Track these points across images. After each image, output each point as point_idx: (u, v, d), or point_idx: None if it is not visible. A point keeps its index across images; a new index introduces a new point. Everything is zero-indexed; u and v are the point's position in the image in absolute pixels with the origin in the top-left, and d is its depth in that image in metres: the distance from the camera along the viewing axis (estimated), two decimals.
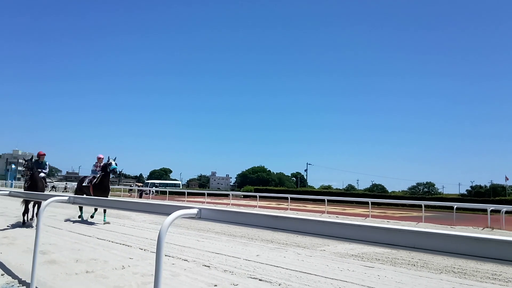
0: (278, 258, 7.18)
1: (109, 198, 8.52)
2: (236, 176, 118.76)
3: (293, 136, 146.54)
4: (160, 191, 45.28)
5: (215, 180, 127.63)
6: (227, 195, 36.55)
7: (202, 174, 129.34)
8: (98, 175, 12.84)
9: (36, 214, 10.39)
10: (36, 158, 11.95)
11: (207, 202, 29.88)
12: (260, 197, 30.05)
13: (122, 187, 52.84)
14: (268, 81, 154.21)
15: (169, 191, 40.83)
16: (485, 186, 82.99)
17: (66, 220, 12.44)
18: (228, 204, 28.71)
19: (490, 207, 18.93)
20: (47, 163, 11.95)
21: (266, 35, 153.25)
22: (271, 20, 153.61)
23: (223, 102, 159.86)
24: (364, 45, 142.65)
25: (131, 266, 6.03)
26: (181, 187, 70.75)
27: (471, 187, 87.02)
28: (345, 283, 5.38)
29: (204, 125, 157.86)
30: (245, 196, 42.43)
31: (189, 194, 41.02)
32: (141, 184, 63.11)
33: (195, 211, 2.90)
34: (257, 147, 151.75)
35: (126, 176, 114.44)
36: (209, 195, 38.79)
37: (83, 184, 13.31)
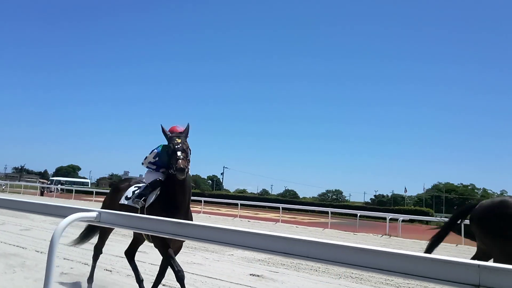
0: (185, 262, 7.09)
1: (3, 197, 6.98)
2: None
3: (211, 139, 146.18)
4: (66, 189, 42.63)
5: None
6: None
7: (114, 173, 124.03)
8: None
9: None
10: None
11: None
12: None
13: (23, 183, 49.13)
14: (185, 84, 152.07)
15: (75, 190, 38.64)
16: (387, 196, 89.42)
17: None
18: None
19: (390, 215, 20.35)
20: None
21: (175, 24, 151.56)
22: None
23: (138, 99, 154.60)
24: (277, 53, 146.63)
25: (23, 270, 5.60)
26: (89, 186, 67.31)
27: (374, 196, 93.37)
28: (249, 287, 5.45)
29: (116, 121, 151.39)
30: None
31: (98, 193, 39.12)
32: (47, 182, 59.07)
33: (94, 214, 2.74)
34: None
35: (29, 172, 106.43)
36: None
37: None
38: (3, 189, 40.83)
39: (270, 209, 33.50)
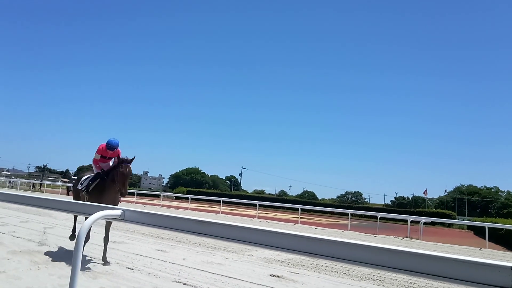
0: (205, 262, 7.13)
1: (29, 194, 7.31)
2: (169, 176, 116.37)
3: (230, 140, 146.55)
4: None
5: (146, 179, 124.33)
6: (158, 196, 35.74)
7: (133, 173, 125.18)
8: None
9: None
10: None
11: (136, 202, 29.04)
12: (192, 199, 29.68)
13: (46, 182, 50.13)
14: (207, 88, 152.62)
15: None
16: (408, 198, 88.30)
17: None
18: (158, 205, 28.10)
19: (411, 218, 20.07)
20: None
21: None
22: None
23: (157, 101, 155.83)
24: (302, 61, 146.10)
25: (48, 267, 5.70)
26: None
27: (395, 198, 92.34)
28: None
29: (137, 122, 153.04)
30: (177, 198, 41.74)
31: None
32: (68, 180, 60.26)
33: (118, 212, 2.78)
34: (193, 148, 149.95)
35: (51, 171, 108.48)
36: (139, 195, 37.69)
37: None
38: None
39: (288, 210, 33.43)
